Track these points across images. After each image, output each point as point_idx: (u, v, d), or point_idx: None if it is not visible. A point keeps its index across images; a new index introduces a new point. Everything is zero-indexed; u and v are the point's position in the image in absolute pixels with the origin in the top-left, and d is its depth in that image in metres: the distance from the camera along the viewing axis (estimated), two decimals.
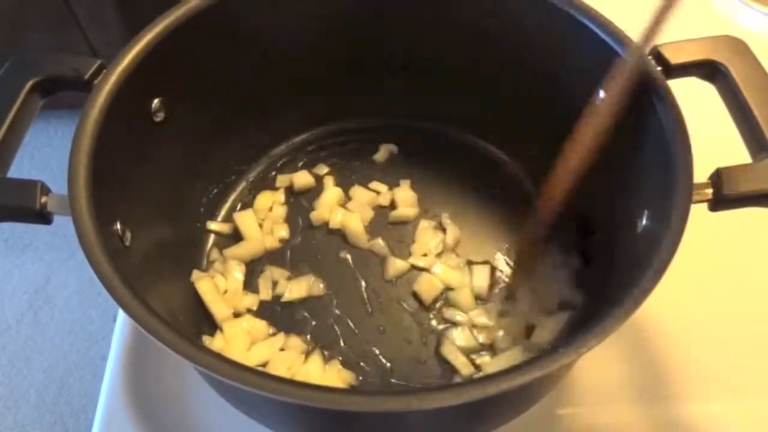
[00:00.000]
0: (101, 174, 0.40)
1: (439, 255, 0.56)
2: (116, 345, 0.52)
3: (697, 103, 0.44)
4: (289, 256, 0.57)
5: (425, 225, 0.57)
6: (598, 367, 0.50)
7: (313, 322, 0.53)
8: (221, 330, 0.51)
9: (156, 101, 0.47)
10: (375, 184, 0.60)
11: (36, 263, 1.44)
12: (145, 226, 0.46)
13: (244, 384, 0.32)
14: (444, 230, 0.57)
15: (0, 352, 1.32)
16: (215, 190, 0.59)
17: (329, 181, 0.60)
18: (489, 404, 0.38)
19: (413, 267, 0.55)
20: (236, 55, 0.52)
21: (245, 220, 0.57)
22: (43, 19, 1.29)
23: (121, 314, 0.54)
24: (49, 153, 1.56)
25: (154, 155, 0.48)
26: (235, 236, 0.57)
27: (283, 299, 0.54)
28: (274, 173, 0.61)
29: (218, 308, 0.52)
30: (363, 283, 0.55)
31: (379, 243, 0.56)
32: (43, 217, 0.39)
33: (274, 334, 0.52)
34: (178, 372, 0.51)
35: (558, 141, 0.45)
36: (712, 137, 0.46)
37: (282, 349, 0.51)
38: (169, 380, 0.50)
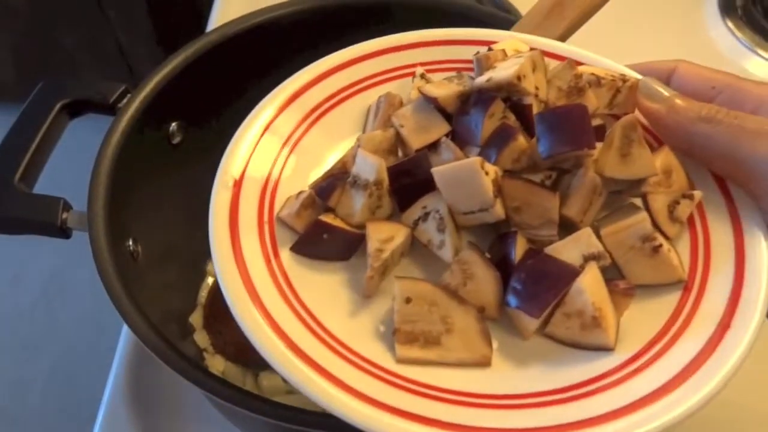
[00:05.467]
0: (119, 194, 0.43)
1: None
2: (122, 341, 0.56)
3: None
4: None
5: None
6: None
7: None
8: None
9: (174, 124, 0.50)
10: None
11: (52, 252, 1.47)
12: (156, 241, 0.49)
13: (247, 410, 0.33)
14: None
15: (12, 336, 1.36)
16: None
17: None
18: None
19: None
20: (251, 81, 0.55)
21: None
22: (75, 20, 1.34)
23: None
24: (64, 170, 1.61)
25: (169, 175, 0.51)
26: None
27: None
28: None
29: None
30: None
31: None
32: (63, 232, 0.42)
33: None
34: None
35: None
36: None
37: None
38: (171, 380, 0.52)
